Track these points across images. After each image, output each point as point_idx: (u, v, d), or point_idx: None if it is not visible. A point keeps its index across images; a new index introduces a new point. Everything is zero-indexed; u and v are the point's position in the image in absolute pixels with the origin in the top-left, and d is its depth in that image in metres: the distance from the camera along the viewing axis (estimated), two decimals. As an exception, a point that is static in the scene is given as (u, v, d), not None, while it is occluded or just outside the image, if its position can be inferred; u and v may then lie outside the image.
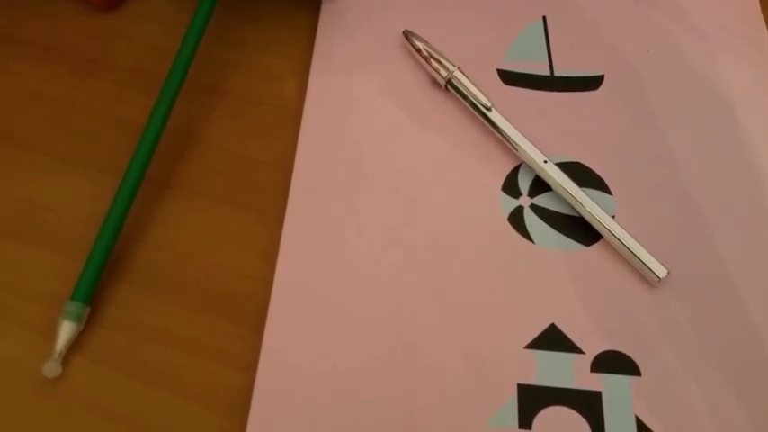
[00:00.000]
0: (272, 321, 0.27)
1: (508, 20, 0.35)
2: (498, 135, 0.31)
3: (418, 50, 0.33)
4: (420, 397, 0.26)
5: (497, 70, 0.34)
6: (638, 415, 0.25)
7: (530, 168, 0.31)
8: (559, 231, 0.29)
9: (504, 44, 0.35)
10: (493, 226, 0.29)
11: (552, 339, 0.27)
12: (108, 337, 0.27)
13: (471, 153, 0.31)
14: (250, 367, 0.27)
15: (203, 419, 0.26)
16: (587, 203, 0.29)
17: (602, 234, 0.29)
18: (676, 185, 0.30)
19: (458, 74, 0.32)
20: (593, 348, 0.27)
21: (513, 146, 0.30)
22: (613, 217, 0.29)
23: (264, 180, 0.31)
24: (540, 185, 0.30)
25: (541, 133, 0.31)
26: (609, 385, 0.26)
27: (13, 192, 0.31)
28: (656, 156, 0.31)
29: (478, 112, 0.31)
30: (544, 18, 0.35)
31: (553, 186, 0.30)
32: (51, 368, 0.26)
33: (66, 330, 0.26)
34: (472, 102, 0.31)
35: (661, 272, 0.27)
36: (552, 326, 0.27)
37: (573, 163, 0.31)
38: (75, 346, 0.27)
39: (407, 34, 0.33)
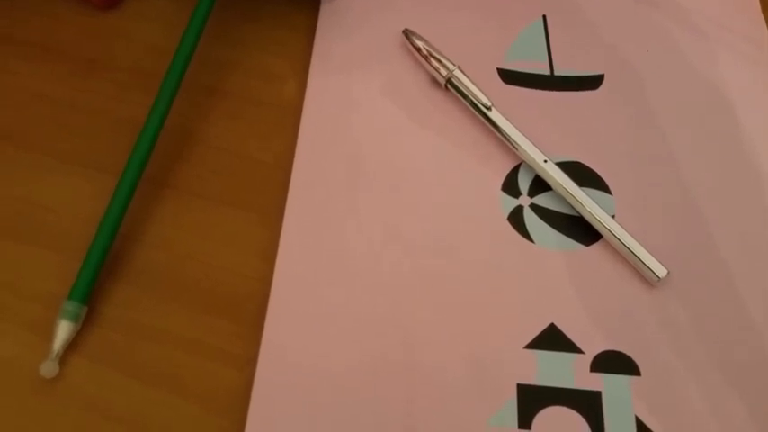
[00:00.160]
0: (271, 321, 0.27)
1: (508, 19, 0.35)
2: (498, 134, 0.31)
3: (418, 50, 0.33)
4: (419, 397, 0.26)
5: (497, 69, 0.34)
6: (637, 415, 0.25)
7: (530, 168, 0.30)
8: (559, 231, 0.29)
9: (505, 43, 0.34)
10: (493, 225, 0.29)
11: (552, 339, 0.27)
12: (106, 337, 0.27)
13: (471, 152, 0.31)
14: (249, 367, 0.27)
15: (202, 419, 0.26)
16: (587, 203, 0.29)
17: (602, 234, 0.29)
18: (676, 185, 0.30)
19: (458, 73, 0.32)
20: (592, 348, 0.27)
21: (512, 145, 0.30)
22: (613, 216, 0.29)
23: (264, 180, 0.31)
24: (539, 185, 0.30)
25: (541, 133, 0.31)
26: (608, 385, 0.26)
27: (12, 191, 0.31)
28: (655, 155, 0.31)
29: (478, 112, 0.31)
30: (544, 17, 0.35)
31: (553, 186, 0.30)
32: (48, 368, 0.26)
33: (63, 330, 0.26)
34: (472, 101, 0.31)
35: (661, 271, 0.27)
36: (552, 326, 0.27)
37: (573, 162, 0.31)
38: (73, 345, 0.27)
39: (407, 33, 0.33)
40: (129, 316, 0.28)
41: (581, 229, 0.29)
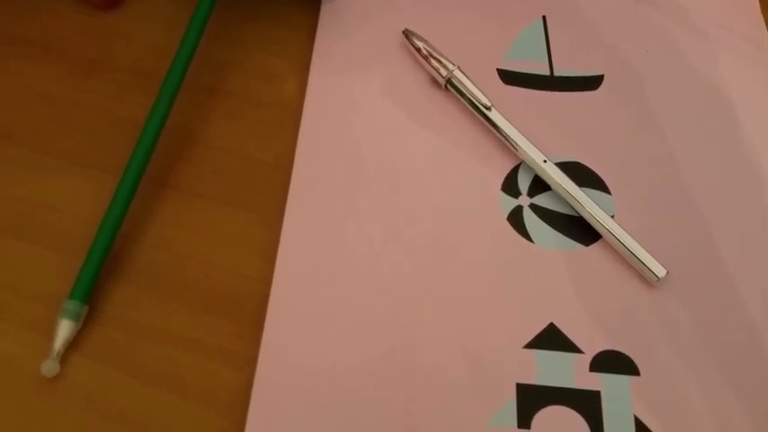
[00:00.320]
0: (271, 321, 0.27)
1: (508, 19, 0.35)
2: (498, 134, 0.31)
3: (418, 50, 0.33)
4: (419, 396, 0.26)
5: (497, 70, 0.34)
6: (637, 415, 0.25)
7: (529, 168, 0.30)
8: (559, 231, 0.29)
9: (504, 44, 0.34)
10: (492, 225, 0.29)
11: (551, 339, 0.27)
12: (107, 336, 0.27)
13: (471, 152, 0.31)
14: (249, 366, 0.27)
15: (202, 418, 0.26)
16: (587, 203, 0.29)
17: (602, 234, 0.29)
18: (676, 185, 0.30)
19: (457, 73, 0.32)
20: (592, 348, 0.27)
21: (512, 145, 0.30)
22: (613, 217, 0.29)
23: (264, 180, 0.31)
24: (539, 185, 0.30)
25: (541, 133, 0.31)
26: (608, 385, 0.26)
27: (13, 191, 0.31)
28: (655, 155, 0.31)
29: (478, 112, 0.31)
30: (544, 18, 0.35)
31: (552, 186, 0.30)
32: (49, 367, 0.26)
33: (64, 329, 0.26)
34: (472, 101, 0.31)
35: (660, 272, 0.27)
36: (551, 325, 0.27)
37: (572, 163, 0.31)
38: (73, 345, 0.27)
39: (407, 33, 0.33)
40: (129, 315, 0.28)
41: (580, 230, 0.29)
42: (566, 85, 0.33)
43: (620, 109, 0.32)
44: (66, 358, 0.27)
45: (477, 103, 0.31)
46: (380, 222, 0.29)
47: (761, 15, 0.35)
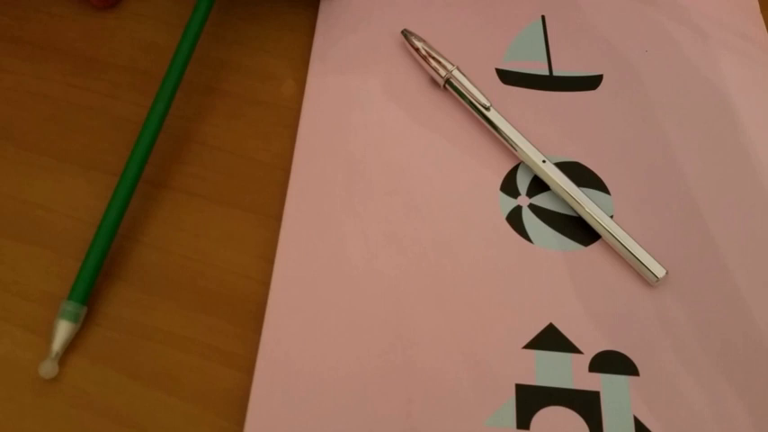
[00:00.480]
0: (269, 321, 0.27)
1: (507, 19, 0.35)
2: (497, 135, 0.31)
3: (417, 50, 0.33)
4: (418, 397, 0.26)
5: (496, 70, 0.34)
6: (636, 415, 0.25)
7: (528, 168, 0.30)
8: (558, 231, 0.29)
9: (503, 44, 0.34)
10: (491, 225, 0.29)
11: (550, 339, 0.27)
12: (105, 337, 0.27)
13: (470, 152, 0.31)
14: (248, 367, 0.27)
15: (201, 419, 0.26)
16: (586, 203, 0.29)
17: (601, 234, 0.29)
18: (675, 185, 0.30)
19: (456, 73, 0.32)
20: (591, 348, 0.27)
21: (511, 145, 0.30)
22: (612, 217, 0.29)
23: (262, 180, 0.31)
24: (538, 185, 0.30)
25: (540, 133, 0.31)
26: (607, 385, 0.26)
27: (10, 191, 0.31)
28: (654, 155, 0.31)
29: (477, 112, 0.31)
30: (543, 18, 0.35)
31: (552, 186, 0.30)
32: (47, 368, 0.26)
33: (62, 330, 0.26)
34: (471, 101, 0.31)
35: (659, 272, 0.27)
36: (550, 326, 0.27)
37: (571, 163, 0.31)
38: (72, 345, 0.27)
39: (406, 34, 0.33)
40: (128, 316, 0.28)
41: (580, 230, 0.29)
42: (565, 85, 0.33)
43: (620, 109, 0.32)
44: (65, 359, 0.27)
45: (476, 103, 0.31)
46: (379, 222, 0.29)
47: (760, 15, 0.35)
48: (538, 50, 0.34)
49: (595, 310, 0.27)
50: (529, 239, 0.29)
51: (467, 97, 0.31)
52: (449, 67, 0.32)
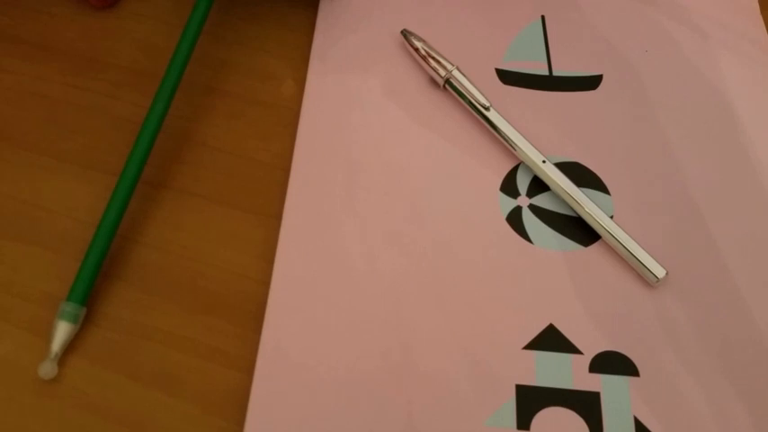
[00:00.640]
0: (269, 321, 0.27)
1: (507, 19, 0.35)
2: (497, 135, 0.31)
3: (416, 50, 0.33)
4: (419, 398, 0.26)
5: (496, 70, 0.34)
6: (636, 415, 0.25)
7: (528, 168, 0.30)
8: (558, 231, 0.29)
9: (503, 44, 0.34)
10: (491, 226, 0.29)
11: (551, 340, 0.27)
12: (105, 338, 0.27)
13: (470, 153, 0.31)
14: (247, 367, 0.27)
15: (200, 419, 0.26)
16: (586, 203, 0.29)
17: (601, 234, 0.29)
18: (675, 185, 0.30)
19: (456, 73, 0.32)
20: (591, 349, 0.27)
21: (511, 146, 0.30)
22: (612, 217, 0.29)
23: (262, 180, 0.31)
24: (538, 185, 0.30)
25: (540, 133, 0.31)
26: (607, 386, 0.26)
27: (10, 191, 0.31)
28: (654, 155, 0.31)
29: (477, 112, 0.31)
30: (543, 18, 0.35)
31: (551, 186, 0.30)
32: (46, 369, 0.26)
33: (62, 331, 0.26)
34: (470, 101, 0.31)
35: (660, 272, 0.27)
36: (551, 326, 0.27)
37: (571, 163, 0.31)
38: (72, 346, 0.27)
39: (406, 34, 0.33)
40: (127, 317, 0.28)
41: (580, 230, 0.29)
42: (564, 85, 0.33)
43: (619, 109, 0.32)
44: (64, 360, 0.27)
45: (475, 103, 0.31)
46: (379, 223, 0.29)
47: (760, 15, 0.35)
48: (538, 50, 0.34)
49: (595, 310, 0.27)
50: (529, 240, 0.29)
51: (466, 97, 0.31)
52: (448, 67, 0.32)
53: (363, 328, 0.27)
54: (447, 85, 0.32)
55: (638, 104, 0.32)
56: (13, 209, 0.30)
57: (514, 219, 0.29)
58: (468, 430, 0.25)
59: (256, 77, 0.34)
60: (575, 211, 0.29)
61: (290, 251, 0.28)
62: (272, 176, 0.31)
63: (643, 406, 0.25)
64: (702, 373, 0.26)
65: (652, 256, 0.28)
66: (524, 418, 0.25)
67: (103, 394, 0.26)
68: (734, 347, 0.27)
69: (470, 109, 0.31)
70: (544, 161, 0.30)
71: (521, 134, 0.30)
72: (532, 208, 0.30)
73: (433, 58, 0.32)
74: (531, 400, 0.26)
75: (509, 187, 0.30)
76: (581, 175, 0.30)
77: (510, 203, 0.30)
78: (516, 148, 0.30)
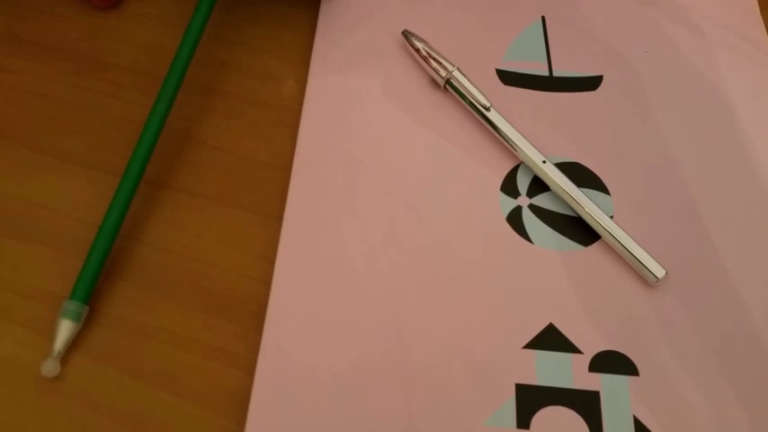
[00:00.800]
0: (270, 321, 0.27)
1: (507, 20, 0.35)
2: (497, 135, 0.31)
3: (417, 50, 0.33)
4: (419, 397, 0.26)
5: (496, 70, 0.34)
6: (636, 415, 0.25)
7: (528, 168, 0.31)
8: (558, 231, 0.29)
9: (503, 44, 0.35)
10: (491, 226, 0.29)
11: (550, 339, 0.27)
12: (107, 336, 0.27)
13: (470, 153, 0.31)
14: (249, 367, 0.27)
15: (202, 418, 0.26)
16: (586, 204, 0.29)
17: (601, 234, 0.29)
18: (675, 186, 0.30)
19: (457, 74, 0.32)
20: (591, 348, 0.27)
21: (511, 146, 0.30)
22: (612, 217, 0.29)
23: (263, 180, 0.31)
24: (538, 185, 0.30)
25: (540, 133, 0.32)
26: (607, 385, 0.26)
27: (12, 190, 0.31)
28: (654, 156, 0.31)
29: (477, 112, 0.31)
30: (543, 18, 0.35)
31: (552, 186, 0.30)
32: (49, 367, 0.26)
33: (64, 329, 0.26)
34: (471, 102, 0.31)
35: (659, 272, 0.27)
36: (550, 326, 0.27)
37: (571, 163, 0.31)
38: (74, 344, 0.27)
39: (406, 34, 0.33)
40: (129, 316, 0.28)
41: (579, 230, 0.29)
42: (565, 86, 0.33)
43: (620, 109, 0.32)
44: (67, 358, 0.27)
45: (476, 103, 0.31)
46: (379, 223, 0.29)
47: (759, 16, 0.35)
48: (538, 51, 0.34)
49: (595, 310, 0.27)
50: (529, 240, 0.29)
51: (467, 98, 0.31)
52: (449, 67, 0.32)
53: (364, 327, 0.27)
54: (448, 86, 0.32)
55: (639, 105, 0.33)
56: (15, 208, 0.30)
57: (515, 219, 0.30)
58: (469, 429, 0.25)
59: (257, 78, 0.34)
60: (575, 212, 0.29)
61: (290, 251, 0.29)
62: (273, 176, 0.31)
63: (642, 405, 0.26)
64: (701, 372, 0.26)
65: (652, 256, 0.28)
66: (524, 418, 0.25)
67: (105, 392, 0.26)
68: (733, 347, 0.27)
69: (471, 109, 0.32)
70: (544, 161, 0.30)
71: (521, 134, 0.30)
72: (533, 208, 0.30)
73: (434, 58, 0.32)
74: (530, 400, 0.26)
75: (509, 187, 0.30)
76: (581, 176, 0.30)
77: (510, 203, 0.30)
78: (516, 148, 0.30)
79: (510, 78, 0.33)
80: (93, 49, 0.35)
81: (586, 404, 0.26)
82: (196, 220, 0.30)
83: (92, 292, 0.27)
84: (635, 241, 0.28)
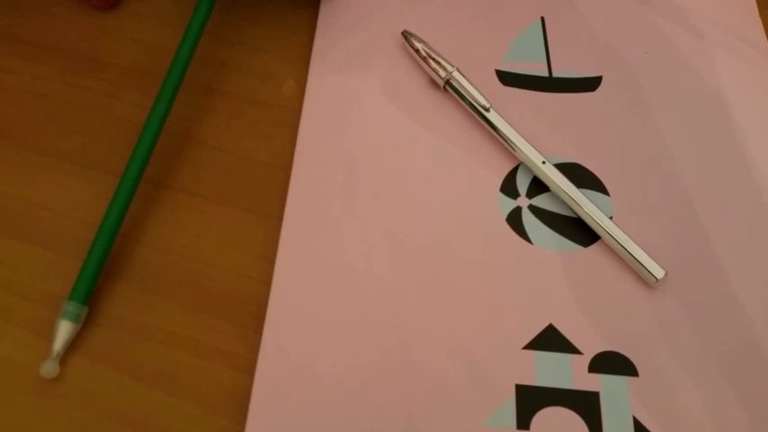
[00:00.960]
0: (270, 321, 0.27)
1: (507, 21, 0.35)
2: (497, 136, 0.31)
3: (417, 51, 0.33)
4: (419, 397, 0.26)
5: (496, 71, 0.34)
6: (635, 415, 0.25)
7: (528, 169, 0.31)
8: (557, 232, 0.29)
9: (503, 45, 0.35)
10: (491, 226, 0.29)
11: (550, 340, 0.27)
12: (107, 337, 0.27)
13: (470, 153, 0.31)
14: (249, 367, 0.27)
15: (202, 419, 0.26)
16: (585, 204, 0.29)
17: (600, 235, 0.29)
18: (674, 186, 0.30)
19: (456, 74, 0.32)
20: (591, 349, 0.27)
21: (511, 146, 0.30)
22: (611, 218, 0.29)
23: (263, 180, 0.31)
24: (538, 186, 0.30)
25: (540, 134, 0.32)
26: (607, 386, 0.26)
27: (11, 191, 0.31)
28: (653, 156, 0.31)
29: (477, 113, 0.31)
30: (542, 19, 0.36)
31: (551, 187, 0.30)
32: (48, 368, 0.26)
33: (64, 330, 0.26)
34: (471, 102, 0.31)
35: (659, 273, 0.27)
36: (550, 326, 0.27)
37: (571, 164, 0.31)
38: (73, 345, 0.27)
39: (406, 35, 0.33)
40: (129, 316, 0.28)
41: (579, 231, 0.29)
42: (564, 87, 0.33)
43: (619, 110, 0.32)
44: (66, 359, 0.27)
45: (475, 104, 0.31)
46: (379, 223, 0.29)
47: (758, 17, 0.36)
48: (537, 52, 0.34)
49: (595, 310, 0.28)
50: (528, 240, 0.29)
51: (467, 98, 0.31)
52: (449, 68, 0.32)
53: (364, 327, 0.27)
54: (447, 86, 0.32)
55: (638, 106, 0.33)
56: (14, 208, 0.30)
57: (514, 219, 0.30)
58: (469, 430, 0.25)
59: (257, 78, 0.34)
60: (574, 212, 0.29)
61: (290, 251, 0.29)
62: (273, 176, 0.31)
63: (642, 406, 0.26)
64: (701, 373, 0.26)
65: (651, 257, 0.28)
66: (524, 418, 0.25)
67: (105, 393, 0.26)
68: (732, 347, 0.27)
69: (470, 110, 0.32)
70: (544, 162, 0.30)
71: (521, 135, 0.31)
72: (532, 208, 0.30)
73: (434, 59, 0.32)
74: (530, 400, 0.26)
75: (509, 188, 0.30)
76: (580, 176, 0.31)
77: (510, 204, 0.30)
78: (516, 148, 0.30)
79: (509, 79, 0.33)
80: (92, 49, 0.35)
81: (586, 405, 0.26)
82: (196, 220, 0.30)
83: (91, 292, 0.27)
84: (634, 242, 0.28)
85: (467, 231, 0.29)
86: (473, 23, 0.35)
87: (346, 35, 0.35)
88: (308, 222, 0.29)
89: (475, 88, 0.31)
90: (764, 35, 0.35)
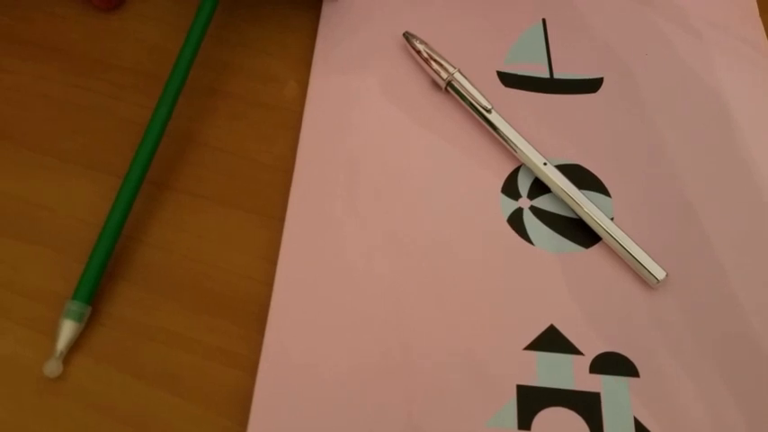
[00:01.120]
0: (272, 322, 0.27)
1: (508, 22, 0.36)
2: (498, 137, 0.31)
3: (418, 52, 0.33)
4: (420, 398, 0.26)
5: (497, 72, 0.34)
6: (636, 416, 0.26)
7: (529, 170, 0.31)
8: (558, 233, 0.29)
9: (504, 46, 0.35)
10: (492, 227, 0.29)
11: (551, 341, 0.27)
12: (110, 337, 0.27)
13: (471, 155, 0.31)
14: (251, 367, 0.27)
15: (204, 419, 0.26)
16: (586, 205, 0.29)
17: (601, 236, 0.29)
18: (675, 188, 0.30)
19: (458, 76, 0.32)
20: (592, 350, 0.27)
21: (512, 148, 0.31)
22: (612, 219, 0.29)
23: (265, 181, 0.31)
24: (539, 187, 0.30)
25: (541, 135, 0.32)
26: (608, 386, 0.26)
27: (12, 190, 0.31)
28: (654, 158, 0.31)
29: (478, 114, 0.31)
30: (544, 21, 0.36)
31: (552, 188, 0.30)
32: (52, 367, 0.26)
33: (67, 330, 0.26)
34: (472, 104, 0.31)
35: (660, 274, 0.27)
36: (551, 327, 0.27)
37: (572, 165, 0.31)
38: (76, 345, 0.27)
39: (408, 36, 0.33)
40: (131, 316, 0.28)
41: (580, 232, 0.29)
42: (565, 88, 0.33)
43: (620, 111, 0.33)
44: (69, 358, 0.27)
45: (477, 105, 0.31)
46: (381, 224, 0.29)
47: (759, 18, 0.36)
48: (539, 53, 0.34)
49: (596, 311, 0.28)
50: (530, 241, 0.29)
51: (468, 100, 0.32)
52: (450, 69, 0.32)
53: (365, 328, 0.27)
54: (449, 88, 0.32)
55: (639, 107, 0.33)
56: (15, 208, 0.30)
57: (515, 220, 0.30)
58: (470, 430, 0.25)
59: (259, 79, 0.34)
60: (575, 213, 0.29)
61: (292, 252, 0.29)
62: (275, 178, 0.31)
63: (643, 407, 0.26)
64: (702, 374, 0.26)
65: (652, 258, 0.28)
66: (525, 419, 0.25)
67: (107, 393, 0.26)
68: (733, 348, 0.27)
69: (472, 111, 0.32)
70: (545, 163, 0.30)
71: (522, 136, 0.31)
72: (533, 210, 0.30)
73: (435, 60, 0.32)
74: (531, 401, 0.26)
75: (510, 189, 0.30)
76: (582, 178, 0.31)
77: (511, 205, 0.30)
78: (517, 150, 0.30)
79: (511, 80, 0.33)
80: (94, 49, 0.35)
81: (587, 405, 0.26)
82: (198, 221, 0.30)
83: (94, 292, 0.27)
84: (635, 243, 0.28)
85: (468, 232, 0.29)
86: (474, 25, 0.35)
87: (348, 37, 0.35)
88: (309, 223, 0.29)
89: (476, 90, 0.32)
90: (765, 36, 0.35)
